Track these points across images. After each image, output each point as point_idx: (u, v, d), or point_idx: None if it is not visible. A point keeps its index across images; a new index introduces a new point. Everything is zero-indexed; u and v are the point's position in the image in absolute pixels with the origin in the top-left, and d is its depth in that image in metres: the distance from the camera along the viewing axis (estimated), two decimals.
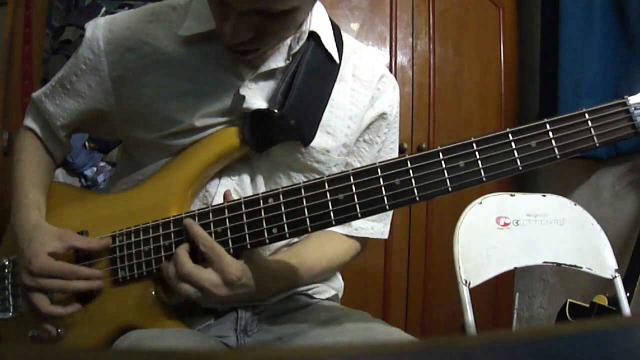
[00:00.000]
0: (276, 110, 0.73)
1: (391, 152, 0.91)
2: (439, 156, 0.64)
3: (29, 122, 0.88)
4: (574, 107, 0.64)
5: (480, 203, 1.11)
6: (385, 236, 0.92)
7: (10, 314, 0.80)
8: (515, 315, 2.00)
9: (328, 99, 0.79)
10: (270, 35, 0.70)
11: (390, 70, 1.94)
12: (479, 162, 0.63)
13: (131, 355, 0.18)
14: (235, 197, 0.76)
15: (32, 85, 1.79)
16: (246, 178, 0.79)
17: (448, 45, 2.00)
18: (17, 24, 1.76)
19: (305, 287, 0.85)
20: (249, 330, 0.79)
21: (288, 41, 0.77)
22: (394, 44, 1.96)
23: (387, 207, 0.65)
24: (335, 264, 0.86)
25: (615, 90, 1.70)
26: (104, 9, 2.00)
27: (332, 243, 0.86)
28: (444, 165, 0.64)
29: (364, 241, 0.91)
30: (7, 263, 0.81)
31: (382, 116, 0.86)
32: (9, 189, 0.84)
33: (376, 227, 0.89)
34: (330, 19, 0.83)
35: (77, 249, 0.75)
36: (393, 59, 1.96)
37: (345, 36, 0.86)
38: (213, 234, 0.71)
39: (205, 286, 0.68)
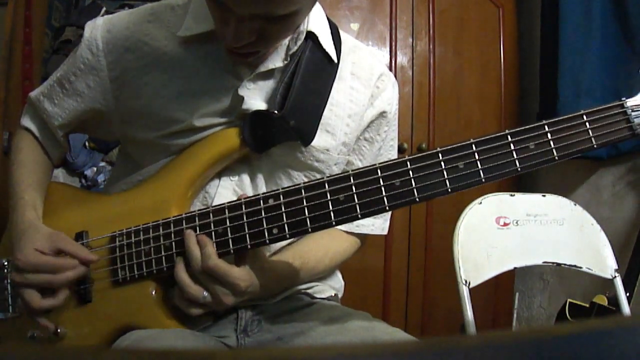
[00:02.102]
0: (276, 111, 0.73)
1: (391, 150, 0.92)
2: (439, 157, 0.65)
3: (27, 122, 0.88)
4: (574, 107, 0.64)
5: (480, 203, 1.11)
6: (385, 232, 0.92)
7: (10, 313, 0.79)
8: (515, 315, 2.00)
9: (327, 98, 0.80)
10: (271, 38, 0.70)
11: (390, 71, 1.94)
12: (478, 163, 0.64)
13: (131, 355, 0.18)
14: (235, 197, 0.76)
15: (32, 85, 1.79)
16: (246, 179, 0.79)
17: (448, 45, 2.00)
18: (17, 24, 1.76)
19: (305, 286, 0.85)
20: (249, 330, 0.79)
21: (286, 41, 0.77)
22: (394, 44, 1.96)
23: (387, 207, 0.66)
24: (338, 261, 0.87)
25: (615, 90, 1.70)
26: (104, 9, 2.00)
27: (334, 240, 0.86)
28: (443, 166, 0.64)
29: (364, 237, 0.91)
30: (5, 263, 0.81)
31: (382, 115, 0.86)
32: (8, 189, 0.84)
33: (377, 223, 0.90)
34: (328, 19, 0.83)
35: (65, 252, 0.74)
36: (393, 59, 1.96)
37: (343, 35, 0.86)
38: (213, 234, 0.71)
39: (216, 297, 0.70)
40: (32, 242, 0.73)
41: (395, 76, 1.91)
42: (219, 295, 0.70)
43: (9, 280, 0.80)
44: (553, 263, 1.11)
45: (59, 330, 0.75)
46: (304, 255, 0.80)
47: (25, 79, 1.81)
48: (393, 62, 1.96)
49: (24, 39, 1.80)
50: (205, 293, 0.70)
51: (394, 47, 1.96)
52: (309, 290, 0.86)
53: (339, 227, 0.86)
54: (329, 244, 0.85)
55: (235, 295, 0.71)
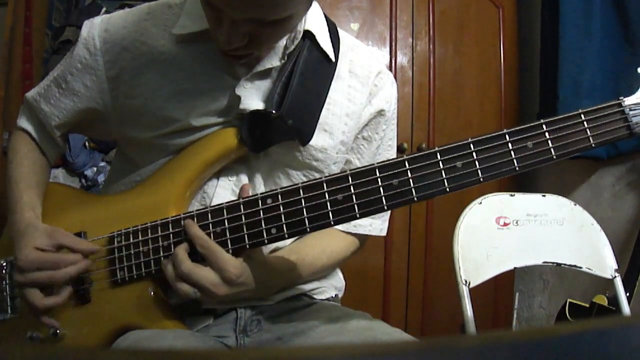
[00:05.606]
0: (274, 111, 0.73)
1: (389, 149, 0.92)
2: (437, 157, 0.65)
3: (23, 122, 0.87)
4: (574, 107, 0.64)
5: (480, 203, 1.11)
6: (384, 233, 0.92)
7: (9, 315, 0.79)
8: (515, 315, 2.00)
9: (325, 97, 0.79)
10: (264, 42, 0.70)
11: (390, 71, 1.94)
12: (476, 162, 0.64)
13: (131, 355, 0.18)
14: (233, 198, 0.76)
15: (32, 85, 1.79)
16: (244, 178, 0.79)
17: (448, 45, 2.00)
18: (17, 24, 1.76)
19: (308, 287, 0.85)
20: (249, 330, 0.79)
21: (283, 40, 0.77)
22: (394, 44, 1.96)
23: (386, 207, 0.66)
24: (336, 260, 0.86)
25: (615, 90, 1.70)
26: (104, 9, 2.00)
27: (332, 239, 0.86)
28: (441, 166, 0.64)
29: (363, 238, 0.91)
30: (4, 264, 0.81)
31: (380, 113, 0.86)
32: (7, 191, 0.84)
33: (375, 224, 0.90)
34: (326, 17, 0.83)
35: (65, 247, 0.74)
36: (393, 59, 1.96)
37: (341, 33, 0.86)
38: (212, 235, 0.71)
39: (204, 285, 0.67)
40: (32, 241, 0.73)
41: (395, 76, 1.92)
42: (209, 288, 0.67)
43: (7, 282, 0.80)
44: (553, 263, 1.11)
45: (58, 331, 0.75)
46: (300, 252, 0.80)
47: (25, 79, 1.81)
48: (393, 62, 1.95)
49: (24, 39, 1.80)
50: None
51: (394, 47, 1.96)
52: (310, 292, 0.86)
53: (338, 227, 0.86)
54: (327, 242, 0.84)
55: (225, 284, 0.68)
